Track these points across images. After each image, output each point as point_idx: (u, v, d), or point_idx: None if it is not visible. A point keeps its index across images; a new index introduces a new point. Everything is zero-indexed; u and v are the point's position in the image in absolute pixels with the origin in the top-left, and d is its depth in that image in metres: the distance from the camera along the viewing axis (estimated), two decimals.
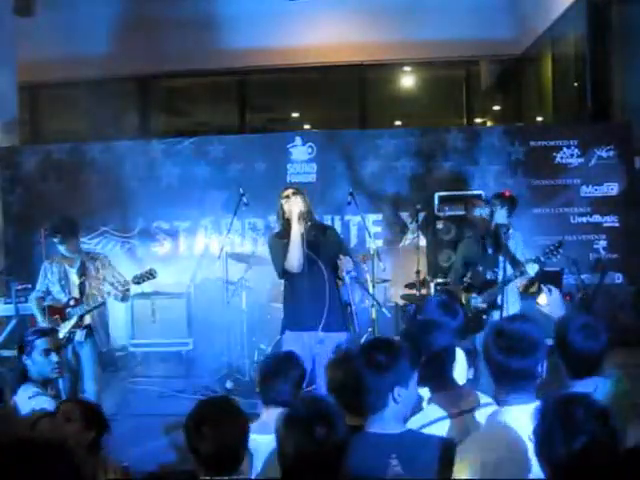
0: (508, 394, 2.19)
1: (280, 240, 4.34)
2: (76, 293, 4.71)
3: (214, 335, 6.88)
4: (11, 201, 7.59)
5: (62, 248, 4.75)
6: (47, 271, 4.82)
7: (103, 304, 4.72)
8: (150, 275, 4.64)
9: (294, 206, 4.23)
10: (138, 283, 4.65)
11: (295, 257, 4.22)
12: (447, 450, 2.20)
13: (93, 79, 9.42)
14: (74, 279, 4.76)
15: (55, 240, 4.74)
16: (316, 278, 4.24)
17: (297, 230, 4.21)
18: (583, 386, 2.43)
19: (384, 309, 5.87)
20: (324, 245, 4.34)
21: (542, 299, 3.64)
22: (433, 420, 2.44)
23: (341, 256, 4.26)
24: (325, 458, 1.86)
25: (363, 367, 2.22)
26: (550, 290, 3.41)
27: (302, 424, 1.88)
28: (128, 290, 4.64)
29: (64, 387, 4.45)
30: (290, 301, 4.44)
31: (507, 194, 6.52)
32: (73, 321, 4.64)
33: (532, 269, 4.66)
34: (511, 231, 4.86)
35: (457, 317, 3.06)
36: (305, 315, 4.27)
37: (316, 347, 4.21)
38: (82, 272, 4.75)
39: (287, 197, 4.31)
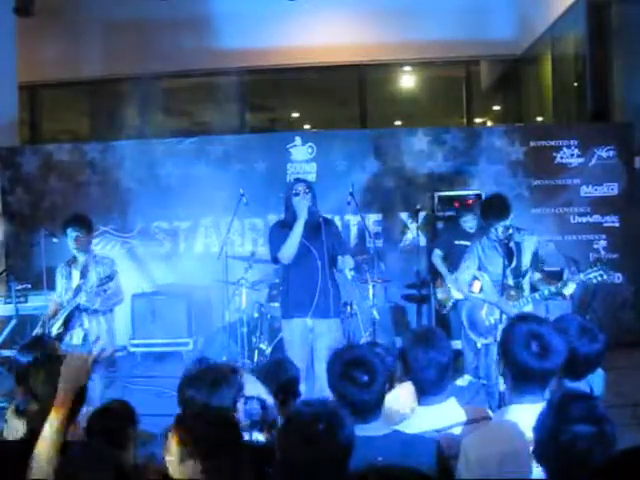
0: (523, 395, 2.19)
1: (282, 229, 4.53)
2: (70, 294, 4.70)
3: (214, 335, 6.89)
4: (11, 201, 7.59)
5: (72, 242, 4.70)
6: (58, 273, 4.85)
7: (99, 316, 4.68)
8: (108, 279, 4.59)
9: (303, 204, 4.40)
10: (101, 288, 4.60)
11: (289, 251, 4.42)
12: (433, 448, 2.21)
13: (93, 79, 9.44)
14: (75, 280, 4.75)
15: (70, 233, 4.68)
16: (309, 268, 4.40)
17: (300, 227, 4.37)
18: (580, 386, 2.44)
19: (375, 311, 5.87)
20: (322, 237, 4.43)
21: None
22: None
23: (340, 256, 4.38)
24: (328, 460, 1.84)
25: (346, 386, 2.22)
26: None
27: (304, 426, 1.88)
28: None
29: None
30: (285, 290, 4.64)
31: (469, 201, 6.50)
32: (60, 321, 4.64)
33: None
34: (510, 231, 4.67)
35: None
36: (297, 303, 4.47)
37: (310, 335, 4.40)
38: (83, 275, 4.73)
39: (298, 194, 4.44)
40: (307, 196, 4.44)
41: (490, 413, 2.54)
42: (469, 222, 6.02)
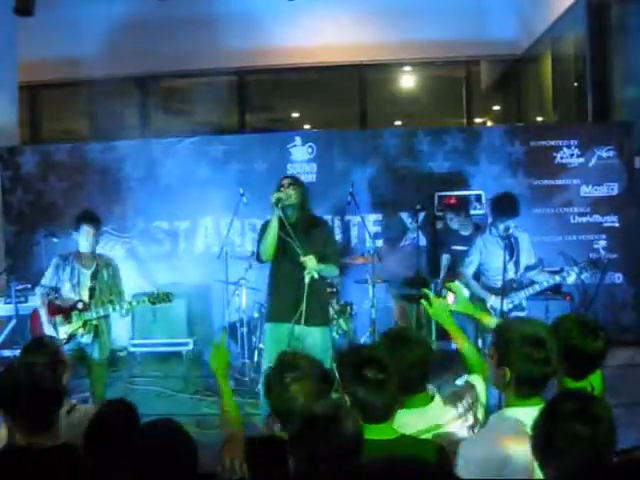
0: (526, 398, 2.19)
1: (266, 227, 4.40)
2: (86, 296, 4.63)
3: (214, 335, 6.89)
4: (11, 201, 7.59)
5: (84, 238, 4.61)
6: (59, 267, 4.66)
7: (107, 316, 4.70)
8: (167, 299, 4.62)
9: (280, 196, 4.20)
10: (154, 303, 4.61)
11: (263, 248, 4.28)
12: (440, 453, 2.21)
13: (93, 79, 9.43)
14: (86, 282, 4.65)
15: (87, 228, 4.62)
16: (295, 270, 4.19)
17: (272, 223, 4.20)
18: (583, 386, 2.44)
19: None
20: (310, 239, 4.27)
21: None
22: None
23: (302, 256, 4.13)
24: (338, 456, 1.84)
25: (360, 386, 2.21)
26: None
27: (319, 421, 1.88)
28: (131, 306, 4.62)
29: None
30: (270, 292, 4.47)
31: (452, 201, 6.60)
32: (76, 325, 4.60)
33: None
34: (511, 231, 4.77)
35: None
36: (282, 307, 4.29)
37: (294, 342, 4.15)
38: (95, 276, 4.66)
39: (281, 187, 4.30)
40: (288, 190, 4.23)
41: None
42: (451, 220, 6.18)
